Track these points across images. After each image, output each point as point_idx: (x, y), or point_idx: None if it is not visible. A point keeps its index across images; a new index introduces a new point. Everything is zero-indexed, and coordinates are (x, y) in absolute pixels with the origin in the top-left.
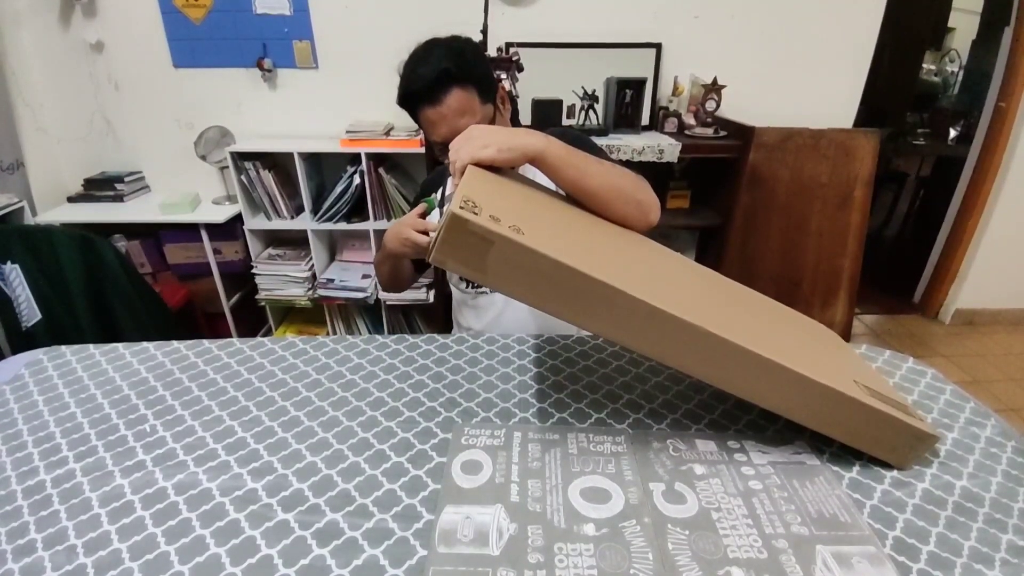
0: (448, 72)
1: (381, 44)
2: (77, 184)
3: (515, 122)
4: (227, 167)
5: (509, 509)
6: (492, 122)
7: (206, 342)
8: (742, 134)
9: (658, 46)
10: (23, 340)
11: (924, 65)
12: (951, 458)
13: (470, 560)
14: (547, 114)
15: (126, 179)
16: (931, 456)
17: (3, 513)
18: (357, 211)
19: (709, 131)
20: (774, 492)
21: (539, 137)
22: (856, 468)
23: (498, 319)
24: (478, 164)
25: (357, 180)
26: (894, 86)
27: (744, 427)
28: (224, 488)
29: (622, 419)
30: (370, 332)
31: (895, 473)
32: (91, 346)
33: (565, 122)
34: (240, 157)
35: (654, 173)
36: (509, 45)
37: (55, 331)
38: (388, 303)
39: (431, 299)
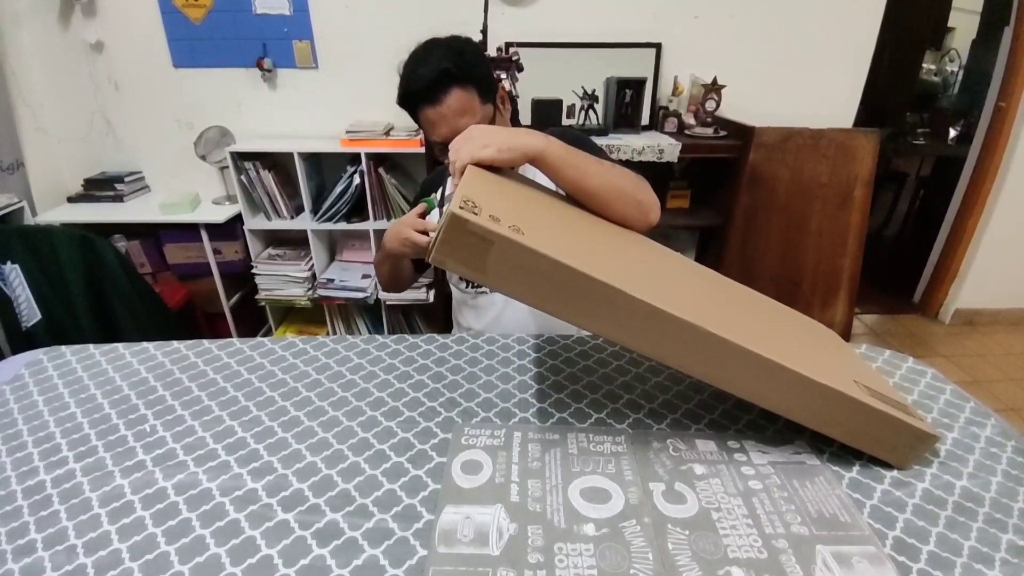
0: (448, 72)
1: (381, 44)
2: (77, 184)
3: (515, 122)
4: (227, 167)
5: (509, 509)
6: (492, 122)
7: (206, 342)
8: (742, 134)
9: (658, 46)
10: (23, 340)
11: (924, 65)
12: (951, 458)
13: (470, 560)
14: (547, 114)
15: (126, 179)
16: (931, 456)
17: (3, 513)
18: (357, 211)
19: (709, 131)
20: (774, 492)
21: (539, 137)
22: (856, 468)
23: (498, 319)
24: (478, 164)
25: (357, 180)
26: (894, 86)
27: (744, 427)
28: (224, 488)
29: (622, 419)
30: (370, 332)
31: (895, 473)
32: (91, 346)
33: (565, 122)
34: (240, 157)
35: (654, 173)
36: (509, 45)
37: (55, 331)
38: (388, 303)
39: (431, 299)
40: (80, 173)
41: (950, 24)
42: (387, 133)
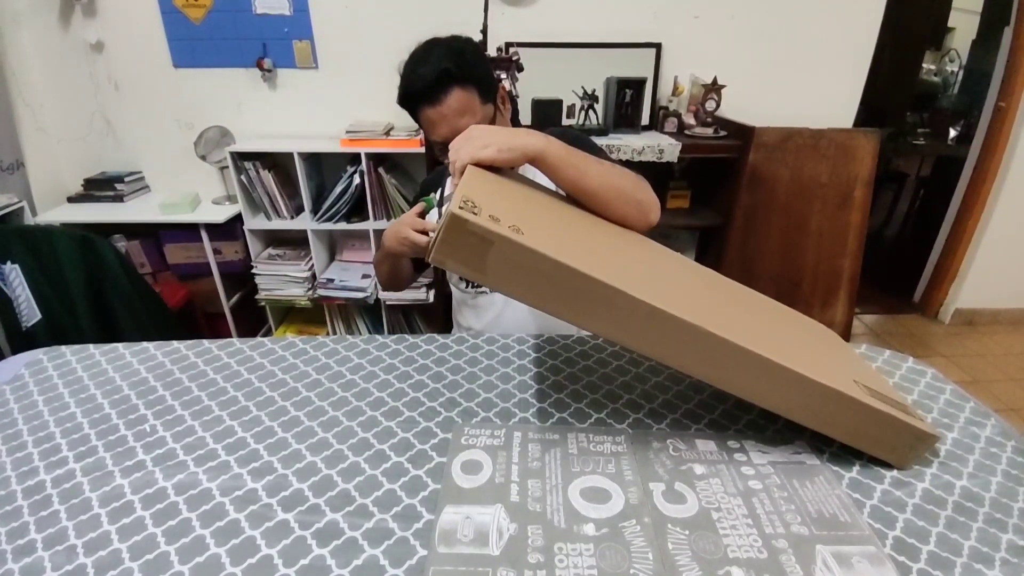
0: (448, 72)
1: (381, 44)
2: (77, 184)
3: (515, 122)
4: (227, 167)
5: (509, 509)
6: (492, 122)
7: (206, 342)
8: (742, 134)
9: (658, 46)
10: (23, 340)
11: (924, 65)
12: (951, 458)
13: (470, 560)
14: (547, 114)
15: (126, 179)
16: (931, 456)
17: (3, 513)
18: (357, 211)
19: (709, 131)
20: (774, 492)
21: (539, 137)
22: (856, 468)
23: (498, 319)
24: (478, 164)
25: (357, 180)
26: (894, 86)
27: (744, 427)
28: (224, 488)
29: (622, 419)
30: (370, 332)
31: (895, 473)
32: (91, 346)
33: (565, 122)
34: (240, 157)
35: (654, 173)
36: (509, 45)
37: (55, 331)
38: (388, 303)
39: (431, 299)
40: (80, 173)
41: (950, 24)
42: (387, 133)
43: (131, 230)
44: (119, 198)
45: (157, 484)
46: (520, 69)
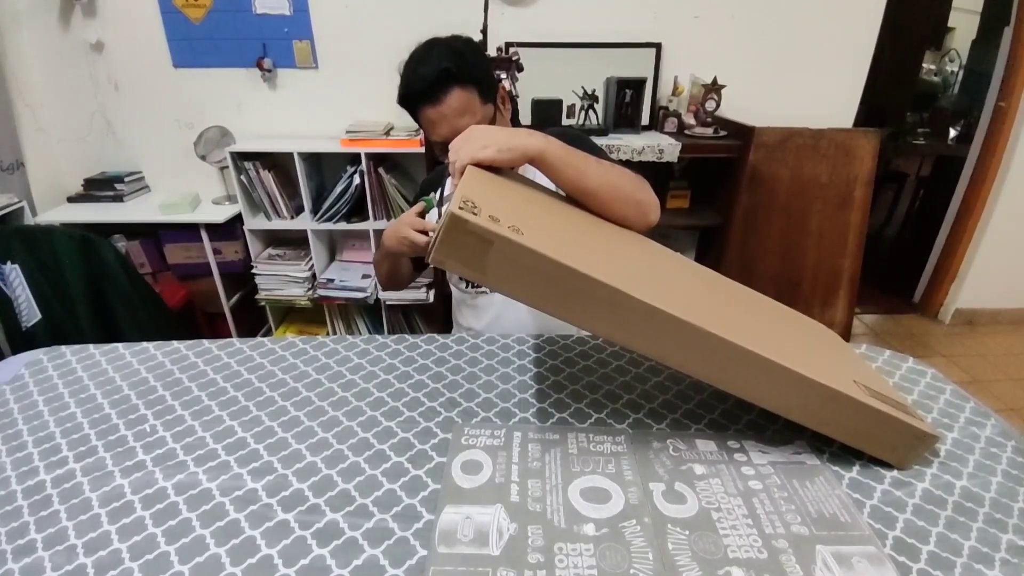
0: (449, 72)
1: (381, 44)
2: (77, 184)
3: (515, 122)
4: (227, 167)
5: (509, 509)
6: (492, 122)
7: (206, 342)
8: (742, 134)
9: (658, 46)
10: (23, 340)
11: (924, 65)
12: (951, 458)
13: (470, 560)
14: (547, 114)
15: (126, 179)
16: (931, 456)
17: (3, 513)
18: (357, 211)
19: (709, 131)
20: (774, 492)
21: (539, 137)
22: (856, 468)
23: (498, 319)
24: (478, 164)
25: (357, 180)
26: (894, 86)
27: (744, 427)
28: (224, 488)
29: (622, 419)
30: (370, 332)
31: (895, 473)
32: (91, 346)
33: (565, 122)
34: (240, 157)
35: (654, 173)
36: (509, 45)
37: (55, 331)
38: (388, 303)
39: (431, 299)
40: (80, 173)
41: (950, 24)
42: (387, 133)
43: (131, 230)
44: (119, 198)
45: (157, 484)
46: (520, 69)
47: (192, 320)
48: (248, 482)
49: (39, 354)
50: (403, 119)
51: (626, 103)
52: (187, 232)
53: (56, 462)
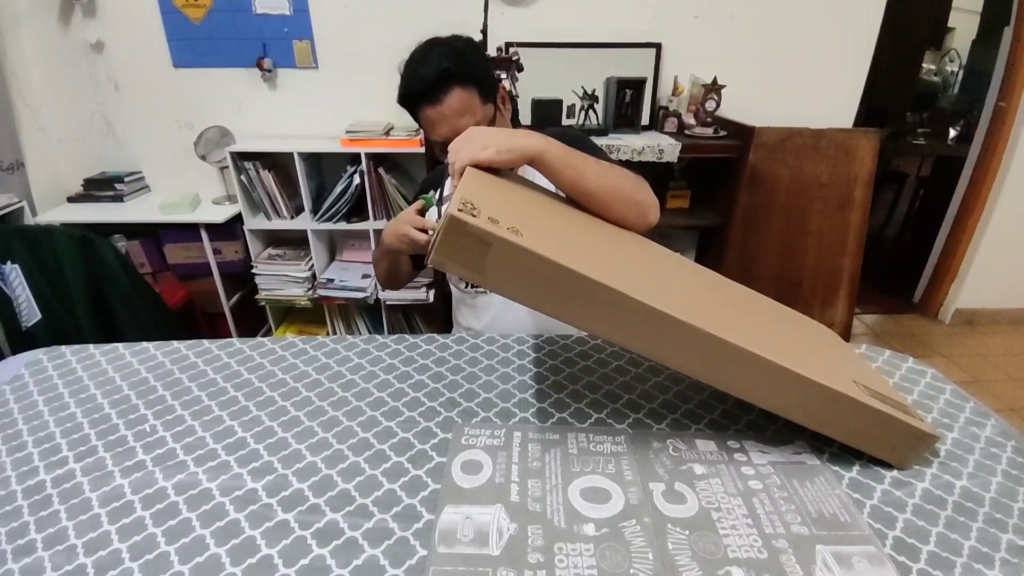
0: (449, 72)
1: (381, 44)
2: (77, 184)
3: (515, 122)
4: (227, 167)
5: (509, 509)
6: (492, 122)
7: (206, 342)
8: (742, 134)
9: (658, 46)
10: (23, 340)
11: (924, 65)
12: (951, 458)
13: (470, 560)
14: (547, 114)
15: (126, 179)
16: (931, 456)
17: (3, 513)
18: (357, 211)
19: (709, 131)
20: (774, 492)
21: (538, 138)
22: (856, 468)
23: (497, 319)
24: (477, 165)
25: (357, 180)
26: (894, 86)
27: (744, 427)
28: (224, 488)
29: (622, 419)
30: (370, 332)
31: (895, 473)
32: (91, 346)
33: (565, 122)
34: (240, 157)
35: (654, 173)
36: (509, 45)
37: (55, 331)
38: (388, 303)
39: (431, 299)
40: (80, 173)
41: (950, 24)
42: (387, 133)
43: (131, 230)
44: (119, 198)
45: (157, 484)
46: (520, 69)
47: (192, 320)
48: (248, 482)
49: (39, 354)
50: (403, 119)
51: (626, 103)
52: (187, 232)
53: (56, 462)
